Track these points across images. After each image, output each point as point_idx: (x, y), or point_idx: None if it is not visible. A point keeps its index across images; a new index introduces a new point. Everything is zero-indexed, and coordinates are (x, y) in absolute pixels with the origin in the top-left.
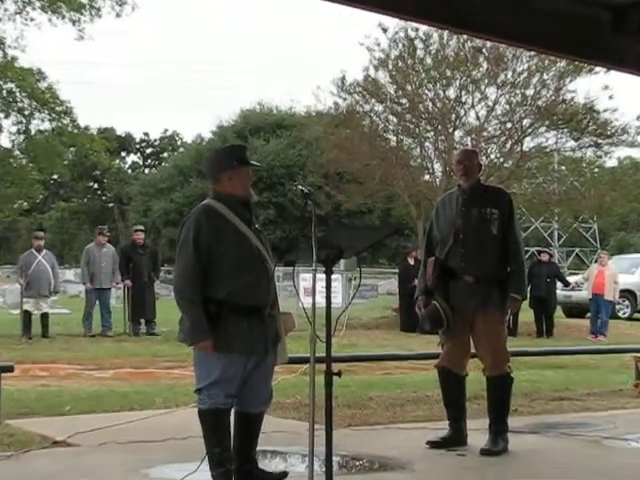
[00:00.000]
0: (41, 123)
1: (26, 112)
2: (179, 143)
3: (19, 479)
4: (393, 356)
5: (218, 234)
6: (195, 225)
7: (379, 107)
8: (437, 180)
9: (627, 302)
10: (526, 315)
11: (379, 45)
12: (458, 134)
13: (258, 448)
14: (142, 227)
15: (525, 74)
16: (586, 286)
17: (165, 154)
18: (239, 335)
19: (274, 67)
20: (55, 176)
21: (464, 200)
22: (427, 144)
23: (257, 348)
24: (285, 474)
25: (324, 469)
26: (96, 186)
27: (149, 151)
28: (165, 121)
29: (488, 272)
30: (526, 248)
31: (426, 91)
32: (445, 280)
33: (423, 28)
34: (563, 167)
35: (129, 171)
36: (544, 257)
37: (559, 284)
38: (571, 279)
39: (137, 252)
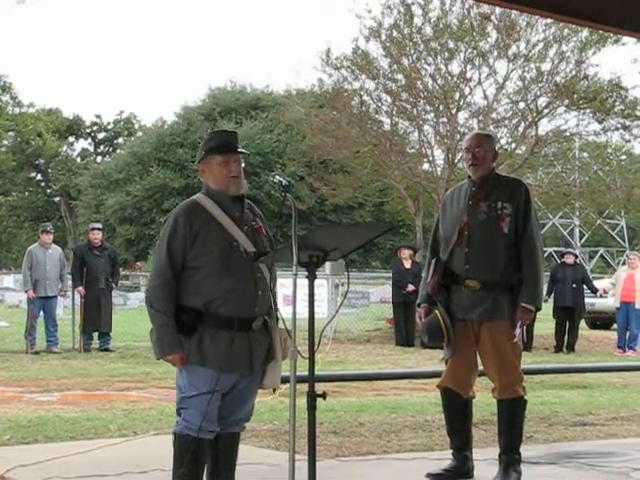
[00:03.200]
0: None
1: None
2: (137, 127)
3: None
4: (387, 375)
5: (198, 234)
6: (172, 225)
7: (370, 84)
8: (438, 169)
9: None
10: (544, 326)
11: (370, 12)
12: (463, 116)
13: None
14: (100, 225)
15: (541, 45)
16: (612, 293)
17: (120, 140)
18: (216, 348)
19: (247, 39)
20: None
21: (472, 192)
22: (426, 127)
23: (237, 364)
24: None
25: None
26: (39, 177)
27: (101, 136)
28: (120, 102)
29: (496, 277)
30: (543, 248)
31: (425, 66)
32: (447, 285)
33: None
34: (585, 154)
35: (78, 159)
36: (569, 259)
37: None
38: (598, 284)
39: (93, 254)
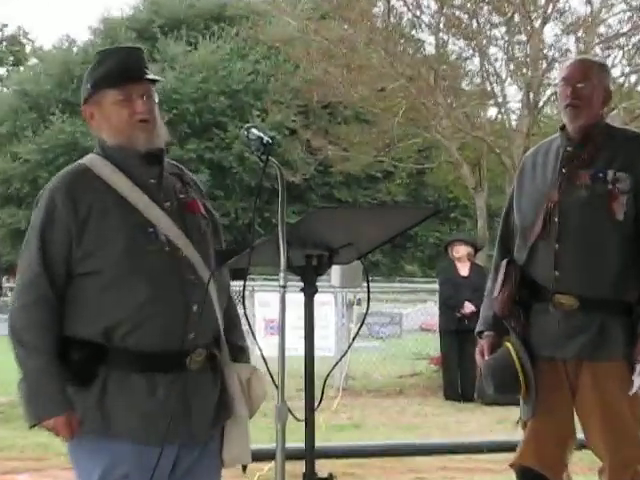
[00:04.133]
0: None
1: None
2: (29, 50)
3: None
4: (432, 447)
5: (88, 220)
6: (46, 209)
7: None
8: (513, 118)
9: None
10: None
11: None
12: (551, 31)
13: None
14: None
15: None
16: None
17: (1, 71)
18: (128, 405)
19: None
20: None
21: (567, 154)
22: (494, 50)
23: (167, 430)
24: None
25: None
26: None
27: None
28: (2, 11)
29: (604, 290)
30: None
31: None
32: (526, 303)
33: None
34: None
35: None
36: None
37: None
38: None
39: None
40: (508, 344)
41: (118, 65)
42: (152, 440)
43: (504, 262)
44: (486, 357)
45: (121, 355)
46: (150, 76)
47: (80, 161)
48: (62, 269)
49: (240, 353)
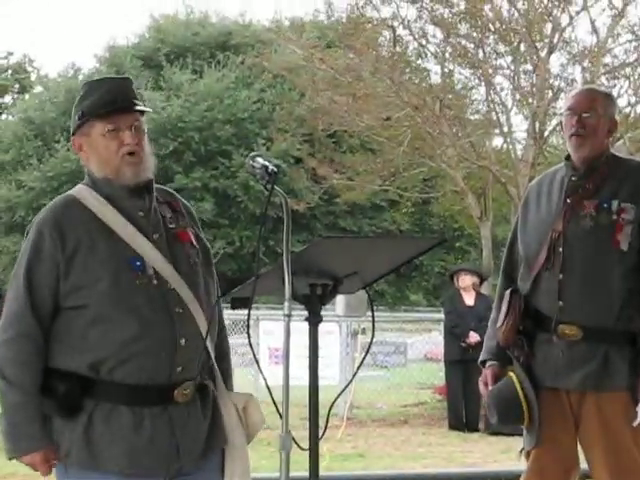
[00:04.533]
0: None
1: None
2: (34, 78)
3: None
4: (437, 476)
5: (75, 253)
6: (34, 242)
7: (410, 11)
8: (518, 148)
9: None
10: None
11: None
12: (557, 60)
13: None
14: None
15: None
16: None
17: (7, 99)
18: (114, 439)
19: None
20: None
21: (572, 184)
22: (499, 79)
23: (153, 463)
24: None
25: None
26: None
27: None
28: (7, 39)
29: (607, 321)
30: None
31: None
32: (530, 333)
33: None
34: None
35: None
36: None
37: None
38: None
39: None
40: (511, 374)
41: (106, 96)
42: (138, 474)
43: (508, 292)
44: (490, 387)
45: (108, 388)
46: (139, 107)
47: (69, 192)
48: (49, 303)
49: (228, 380)
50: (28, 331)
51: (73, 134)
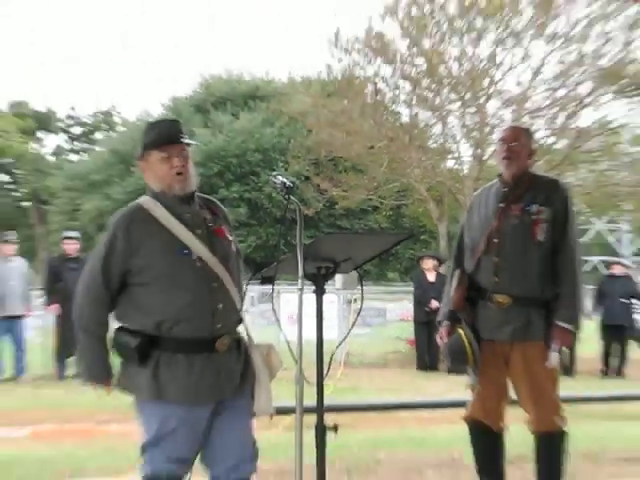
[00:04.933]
0: None
1: None
2: (118, 121)
3: None
4: (408, 404)
5: (140, 246)
6: (110, 239)
7: (386, 70)
8: (465, 167)
9: None
10: (589, 348)
11: None
12: (493, 105)
13: None
14: (74, 234)
15: (583, 24)
16: None
17: (99, 135)
18: (174, 378)
19: (246, 22)
20: None
21: (503, 194)
22: (451, 119)
23: (202, 395)
24: None
25: None
26: (6, 179)
27: (77, 131)
28: (99, 92)
29: (529, 291)
30: (587, 258)
31: (449, 48)
32: (473, 300)
33: None
34: (636, 148)
35: (50, 158)
36: (617, 270)
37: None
38: None
39: (68, 267)
40: (460, 330)
41: (160, 132)
42: (192, 402)
43: (457, 271)
44: (445, 340)
45: (168, 342)
46: (184, 140)
47: (137, 201)
48: (116, 280)
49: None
50: (101, 298)
51: (139, 159)
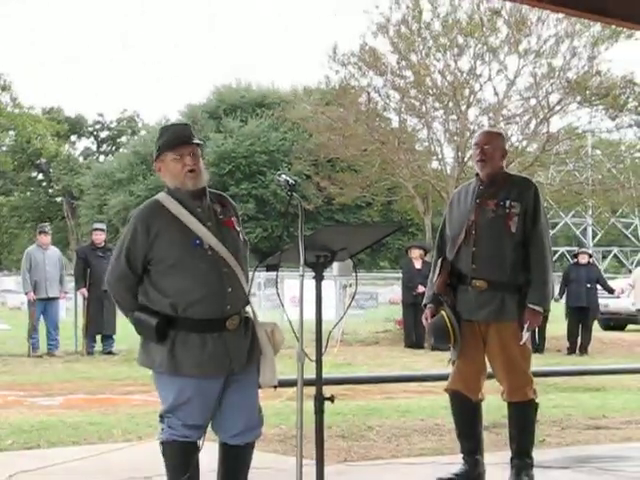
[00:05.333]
0: None
1: None
2: (140, 126)
3: None
4: (396, 377)
5: (157, 238)
6: (132, 232)
7: (378, 81)
8: (447, 168)
9: None
10: (556, 328)
11: (378, 7)
12: (473, 112)
13: None
14: (103, 225)
15: (552, 41)
16: (628, 294)
17: (123, 139)
18: (189, 355)
19: (253, 36)
20: None
21: (480, 191)
22: (435, 125)
23: (214, 369)
24: None
25: None
26: (41, 177)
27: (104, 135)
28: (123, 100)
29: (503, 277)
30: (555, 248)
31: (434, 62)
32: (454, 285)
33: None
34: (598, 151)
35: (80, 159)
36: (582, 258)
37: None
38: (613, 284)
39: (96, 255)
40: (442, 312)
41: (172, 136)
42: (205, 376)
43: (440, 259)
44: (429, 320)
45: (183, 322)
46: (195, 141)
47: (155, 197)
48: (139, 265)
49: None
50: (125, 278)
51: (154, 160)
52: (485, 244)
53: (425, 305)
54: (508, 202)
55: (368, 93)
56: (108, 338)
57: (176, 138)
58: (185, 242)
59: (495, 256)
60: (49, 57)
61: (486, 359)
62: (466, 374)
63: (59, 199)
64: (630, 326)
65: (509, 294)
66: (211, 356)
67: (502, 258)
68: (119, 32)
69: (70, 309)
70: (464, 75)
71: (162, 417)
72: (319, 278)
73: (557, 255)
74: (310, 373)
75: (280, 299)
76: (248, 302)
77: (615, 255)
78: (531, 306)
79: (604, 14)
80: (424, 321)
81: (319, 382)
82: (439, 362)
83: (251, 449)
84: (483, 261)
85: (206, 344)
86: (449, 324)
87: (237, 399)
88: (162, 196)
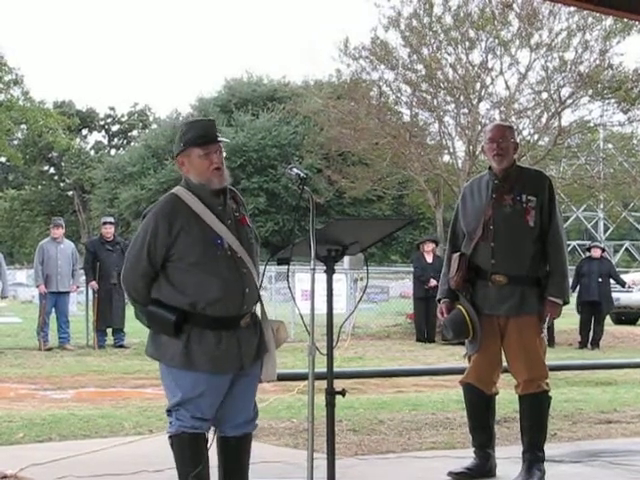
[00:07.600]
0: None
1: None
2: (151, 119)
3: None
4: (408, 371)
5: (179, 235)
6: (153, 227)
7: (389, 75)
8: (459, 162)
9: None
10: (567, 322)
11: (389, 1)
12: (484, 106)
13: None
14: (112, 219)
15: (564, 34)
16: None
17: (134, 132)
18: (203, 350)
19: (264, 30)
20: (3, 159)
21: (495, 185)
22: (447, 118)
23: (227, 365)
24: None
25: None
26: (52, 170)
27: (115, 129)
28: (134, 94)
29: (523, 271)
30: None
31: (445, 55)
32: (472, 280)
33: None
34: (610, 145)
35: (92, 152)
36: (595, 252)
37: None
38: (625, 278)
39: (106, 249)
40: (460, 306)
41: (201, 132)
42: (218, 371)
43: (456, 255)
44: (445, 315)
45: (200, 319)
46: (221, 139)
47: (172, 191)
48: (159, 262)
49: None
50: (145, 274)
51: (177, 155)
52: (504, 239)
53: (439, 300)
54: (524, 196)
55: (379, 87)
56: (118, 332)
57: (205, 135)
58: (207, 240)
59: (515, 251)
60: (60, 51)
61: (502, 353)
62: (482, 368)
63: (70, 193)
64: None
65: (529, 288)
66: (225, 353)
67: (522, 252)
68: (130, 26)
69: (82, 303)
70: (475, 69)
71: (170, 411)
72: (330, 272)
73: (569, 249)
74: (321, 367)
75: (291, 293)
76: (259, 299)
77: (627, 249)
78: (551, 298)
79: (616, 7)
80: (439, 316)
81: (330, 376)
82: (450, 356)
83: (250, 439)
84: (503, 256)
85: (221, 341)
86: (468, 318)
87: (240, 393)
88: (180, 191)
